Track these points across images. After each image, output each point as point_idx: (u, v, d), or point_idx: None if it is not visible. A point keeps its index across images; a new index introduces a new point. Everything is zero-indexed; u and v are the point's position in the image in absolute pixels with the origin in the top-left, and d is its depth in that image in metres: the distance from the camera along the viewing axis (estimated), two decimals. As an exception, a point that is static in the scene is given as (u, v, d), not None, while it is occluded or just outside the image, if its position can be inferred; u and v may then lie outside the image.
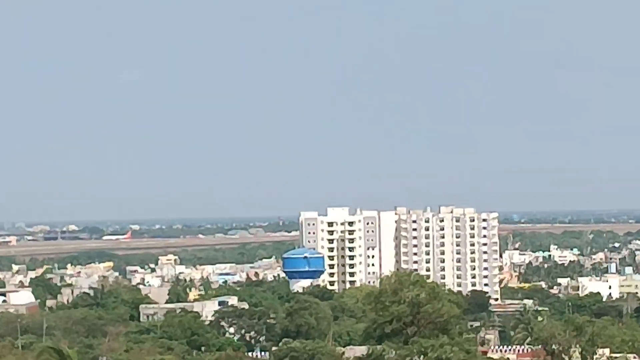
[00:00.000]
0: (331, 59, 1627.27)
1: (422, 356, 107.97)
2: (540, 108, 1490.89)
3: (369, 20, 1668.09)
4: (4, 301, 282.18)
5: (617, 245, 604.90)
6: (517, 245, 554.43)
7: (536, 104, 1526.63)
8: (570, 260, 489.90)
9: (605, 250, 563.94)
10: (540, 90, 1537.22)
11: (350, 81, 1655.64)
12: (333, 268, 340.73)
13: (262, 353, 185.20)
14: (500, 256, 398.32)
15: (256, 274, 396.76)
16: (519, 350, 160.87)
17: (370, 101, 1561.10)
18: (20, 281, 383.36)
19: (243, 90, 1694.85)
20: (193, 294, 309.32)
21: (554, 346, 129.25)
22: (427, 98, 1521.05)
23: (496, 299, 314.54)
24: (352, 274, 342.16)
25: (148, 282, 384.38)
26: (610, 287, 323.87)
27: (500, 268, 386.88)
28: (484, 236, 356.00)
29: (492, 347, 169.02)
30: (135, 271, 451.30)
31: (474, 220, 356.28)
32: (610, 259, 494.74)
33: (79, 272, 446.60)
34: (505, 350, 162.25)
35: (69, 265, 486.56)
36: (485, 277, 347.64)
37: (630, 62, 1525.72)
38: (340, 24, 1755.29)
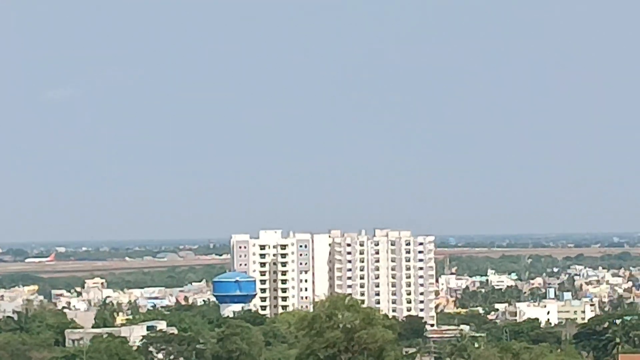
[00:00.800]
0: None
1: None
2: (480, 132, 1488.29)
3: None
4: None
5: (555, 270, 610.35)
6: (453, 270, 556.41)
7: (477, 127, 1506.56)
8: (507, 285, 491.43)
9: (544, 275, 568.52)
10: (484, 111, 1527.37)
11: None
12: (265, 292, 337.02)
13: None
14: (437, 280, 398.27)
15: (186, 298, 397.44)
16: None
17: (303, 122, 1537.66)
18: None
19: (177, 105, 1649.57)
20: (120, 319, 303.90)
21: None
22: (363, 123, 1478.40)
23: (432, 325, 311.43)
24: (284, 299, 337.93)
25: (74, 306, 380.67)
26: (548, 313, 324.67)
27: (437, 293, 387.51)
28: (420, 260, 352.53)
29: None
30: (61, 295, 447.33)
31: (409, 244, 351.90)
32: (549, 284, 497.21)
33: (2, 295, 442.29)
34: None
35: (7, 292, 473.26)
36: (421, 302, 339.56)
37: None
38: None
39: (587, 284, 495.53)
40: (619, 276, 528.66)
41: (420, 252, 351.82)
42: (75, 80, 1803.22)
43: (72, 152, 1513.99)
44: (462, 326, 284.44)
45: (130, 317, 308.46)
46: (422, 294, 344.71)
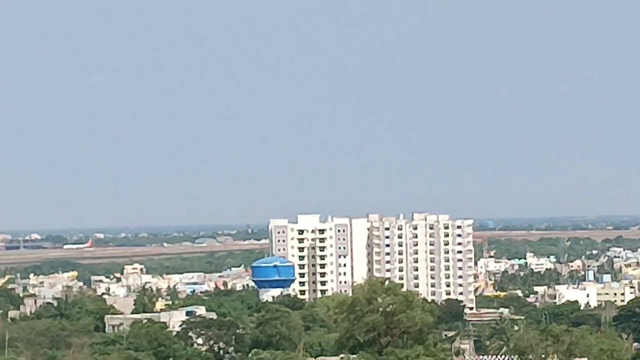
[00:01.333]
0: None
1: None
2: (518, 116, 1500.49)
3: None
4: None
5: (594, 252, 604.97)
6: (492, 253, 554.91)
7: (515, 111, 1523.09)
8: (546, 268, 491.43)
9: (583, 257, 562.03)
10: (518, 98, 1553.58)
11: (326, 89, 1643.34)
12: (303, 277, 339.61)
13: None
14: (475, 264, 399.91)
15: (224, 283, 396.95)
16: None
17: (343, 107, 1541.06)
18: None
19: (212, 96, 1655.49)
20: (160, 304, 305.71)
21: (530, 356, 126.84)
22: (402, 105, 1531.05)
23: (471, 308, 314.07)
24: (323, 283, 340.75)
25: (113, 292, 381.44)
26: (588, 296, 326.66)
27: (475, 276, 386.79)
28: (459, 243, 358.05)
29: (467, 357, 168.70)
30: (100, 281, 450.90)
31: (448, 228, 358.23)
32: (588, 266, 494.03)
33: (42, 282, 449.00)
34: (482, 358, 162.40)
35: (31, 275, 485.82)
36: (460, 285, 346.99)
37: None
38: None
39: (626, 266, 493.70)
40: None
41: (458, 235, 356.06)
42: (105, 68, 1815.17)
43: (110, 140, 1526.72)
44: (501, 309, 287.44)
45: (170, 302, 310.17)
46: (460, 277, 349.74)
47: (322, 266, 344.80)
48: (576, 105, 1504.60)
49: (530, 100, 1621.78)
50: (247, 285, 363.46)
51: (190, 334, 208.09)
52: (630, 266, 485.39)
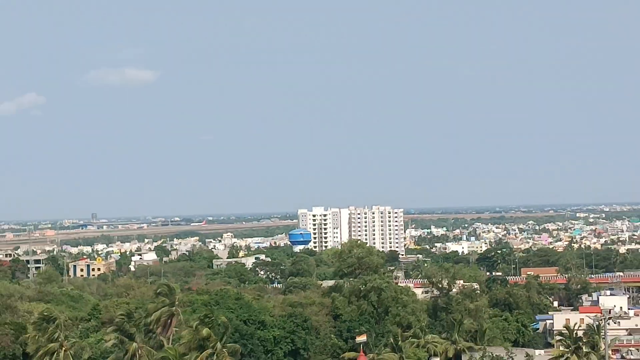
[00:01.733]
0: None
1: (364, 284, 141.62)
2: (436, 125, 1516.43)
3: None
4: (140, 258, 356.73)
5: (466, 225, 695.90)
6: (413, 226, 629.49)
7: (432, 121, 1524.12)
8: (441, 234, 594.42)
9: (461, 227, 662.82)
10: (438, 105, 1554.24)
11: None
12: (315, 239, 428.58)
13: (278, 284, 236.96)
14: (404, 231, 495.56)
15: (275, 242, 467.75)
16: (415, 282, 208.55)
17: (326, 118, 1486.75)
18: (149, 248, 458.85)
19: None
20: (241, 253, 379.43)
21: (433, 279, 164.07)
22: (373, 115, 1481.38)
23: (402, 254, 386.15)
24: (325, 242, 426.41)
25: (216, 247, 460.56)
26: (463, 248, 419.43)
27: (405, 238, 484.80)
28: (396, 221, 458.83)
29: (400, 280, 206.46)
30: (210, 241, 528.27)
31: (390, 213, 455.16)
32: (462, 234, 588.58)
33: (180, 242, 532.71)
34: (408, 282, 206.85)
35: (175, 239, 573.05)
36: (397, 243, 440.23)
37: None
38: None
39: (483, 232, 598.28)
40: (499, 228, 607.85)
41: (395, 216, 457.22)
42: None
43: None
44: (418, 255, 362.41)
45: (246, 252, 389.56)
46: (397, 239, 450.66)
47: (325, 234, 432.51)
48: (492, 109, 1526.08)
49: (448, 106, 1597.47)
50: (286, 244, 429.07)
51: (257, 269, 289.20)
52: (485, 232, 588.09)
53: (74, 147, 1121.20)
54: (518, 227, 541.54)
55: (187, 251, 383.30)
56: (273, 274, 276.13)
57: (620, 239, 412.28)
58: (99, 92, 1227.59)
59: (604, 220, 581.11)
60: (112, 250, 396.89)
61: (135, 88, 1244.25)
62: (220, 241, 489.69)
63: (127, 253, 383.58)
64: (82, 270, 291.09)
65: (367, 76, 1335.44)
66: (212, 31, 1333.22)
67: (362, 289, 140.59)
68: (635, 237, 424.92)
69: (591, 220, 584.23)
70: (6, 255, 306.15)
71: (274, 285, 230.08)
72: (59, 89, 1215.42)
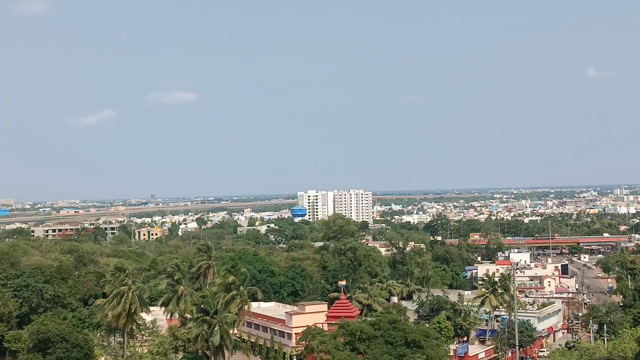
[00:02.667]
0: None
1: (344, 245, 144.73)
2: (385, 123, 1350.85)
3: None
4: (186, 226, 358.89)
5: (415, 203, 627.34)
6: (378, 204, 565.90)
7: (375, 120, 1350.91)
8: (398, 209, 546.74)
9: (412, 205, 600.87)
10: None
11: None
12: (309, 213, 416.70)
13: (283, 245, 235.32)
14: (372, 207, 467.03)
15: (281, 215, 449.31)
16: (379, 243, 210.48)
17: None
18: (192, 219, 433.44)
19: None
20: (257, 223, 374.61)
21: (393, 241, 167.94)
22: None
23: (371, 224, 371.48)
24: (317, 215, 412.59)
25: (239, 219, 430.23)
26: (413, 219, 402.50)
27: (373, 212, 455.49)
28: (367, 200, 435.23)
29: (369, 242, 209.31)
30: (235, 215, 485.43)
31: (362, 195, 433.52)
32: (413, 209, 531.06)
33: (214, 215, 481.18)
34: (374, 243, 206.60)
35: (210, 213, 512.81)
36: (367, 216, 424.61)
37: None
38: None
39: (428, 208, 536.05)
40: (439, 205, 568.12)
41: (366, 197, 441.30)
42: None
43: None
44: (382, 224, 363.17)
45: (260, 222, 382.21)
46: (367, 212, 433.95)
47: (316, 209, 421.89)
48: (432, 120, 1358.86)
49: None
50: (289, 216, 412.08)
51: (268, 234, 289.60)
52: (429, 208, 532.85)
53: (139, 148, 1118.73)
54: (453, 205, 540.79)
55: (218, 221, 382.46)
56: (279, 237, 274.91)
57: (525, 213, 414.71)
58: (156, 109, 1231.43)
59: (513, 200, 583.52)
60: (166, 221, 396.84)
61: (181, 106, 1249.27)
62: (242, 214, 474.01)
63: (176, 223, 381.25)
64: (144, 235, 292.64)
65: (351, 105, 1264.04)
66: (233, 67, 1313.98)
67: (342, 248, 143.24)
68: (535, 212, 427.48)
69: (504, 199, 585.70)
70: (90, 224, 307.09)
71: (280, 245, 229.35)
72: (128, 106, 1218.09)
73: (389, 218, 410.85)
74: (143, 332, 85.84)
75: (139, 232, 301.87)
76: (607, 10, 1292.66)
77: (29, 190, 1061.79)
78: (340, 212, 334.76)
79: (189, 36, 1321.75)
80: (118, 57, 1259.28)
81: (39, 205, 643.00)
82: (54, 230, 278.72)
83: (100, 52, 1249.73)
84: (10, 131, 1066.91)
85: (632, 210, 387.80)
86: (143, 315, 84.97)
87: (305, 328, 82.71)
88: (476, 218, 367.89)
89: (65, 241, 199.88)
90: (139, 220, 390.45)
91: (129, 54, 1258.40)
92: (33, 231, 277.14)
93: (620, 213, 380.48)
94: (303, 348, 78.58)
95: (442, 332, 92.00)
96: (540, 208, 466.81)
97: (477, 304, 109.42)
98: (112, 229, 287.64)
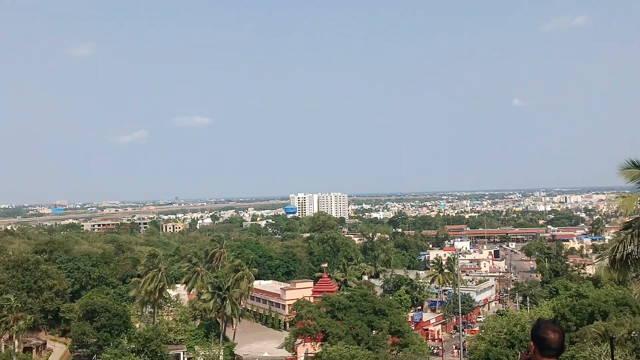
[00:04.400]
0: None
1: (326, 235, 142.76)
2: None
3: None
4: (202, 221, 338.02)
5: (381, 203, 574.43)
6: (352, 204, 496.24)
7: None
8: (368, 207, 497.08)
9: (379, 204, 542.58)
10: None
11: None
12: (299, 211, 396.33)
13: (278, 236, 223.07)
14: (348, 206, 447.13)
15: (277, 213, 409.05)
16: (354, 234, 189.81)
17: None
18: (207, 216, 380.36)
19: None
20: (259, 219, 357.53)
21: (364, 232, 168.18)
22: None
23: (347, 219, 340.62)
24: (305, 213, 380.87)
25: (245, 215, 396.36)
26: (380, 216, 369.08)
27: (348, 210, 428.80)
28: (343, 200, 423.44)
29: (345, 233, 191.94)
30: (241, 212, 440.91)
31: (340, 197, 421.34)
32: (379, 208, 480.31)
33: (224, 214, 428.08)
34: (350, 234, 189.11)
35: (222, 211, 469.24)
36: (344, 213, 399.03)
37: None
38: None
39: (391, 207, 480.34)
40: (400, 204, 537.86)
41: (343, 198, 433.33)
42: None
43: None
44: (355, 219, 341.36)
45: (261, 218, 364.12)
46: (344, 210, 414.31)
47: (304, 208, 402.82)
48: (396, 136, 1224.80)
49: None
50: (283, 213, 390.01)
51: (267, 227, 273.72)
52: (392, 207, 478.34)
53: (165, 160, 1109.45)
54: (410, 204, 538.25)
55: (228, 218, 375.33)
56: (276, 230, 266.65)
57: (465, 210, 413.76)
58: (179, 130, 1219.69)
59: (457, 200, 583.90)
60: (186, 217, 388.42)
61: (199, 127, 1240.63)
62: (246, 212, 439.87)
63: (195, 219, 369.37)
64: (170, 228, 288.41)
65: (331, 125, 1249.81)
66: (239, 97, 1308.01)
67: (324, 238, 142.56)
68: (473, 209, 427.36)
69: (450, 200, 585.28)
70: (127, 220, 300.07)
71: (276, 236, 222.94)
72: (157, 128, 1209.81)
73: (360, 215, 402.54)
74: (169, 304, 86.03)
75: (166, 226, 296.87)
76: (529, 50, 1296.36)
77: (79, 193, 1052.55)
78: (323, 210, 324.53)
79: (205, 73, 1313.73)
80: (149, 89, 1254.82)
81: (87, 205, 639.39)
82: (99, 225, 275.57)
83: (135, 84, 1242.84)
84: (65, 148, 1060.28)
85: (548, 208, 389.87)
86: (169, 291, 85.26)
87: (296, 300, 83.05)
88: (428, 214, 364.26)
89: (107, 233, 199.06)
90: (165, 217, 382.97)
91: (158, 86, 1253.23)
92: (82, 225, 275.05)
93: (539, 210, 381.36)
94: (294, 316, 78.81)
95: (402, 303, 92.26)
96: (477, 207, 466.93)
97: (429, 281, 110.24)
98: (145, 223, 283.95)
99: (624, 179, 18.65)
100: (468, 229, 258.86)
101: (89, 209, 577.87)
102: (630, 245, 18.82)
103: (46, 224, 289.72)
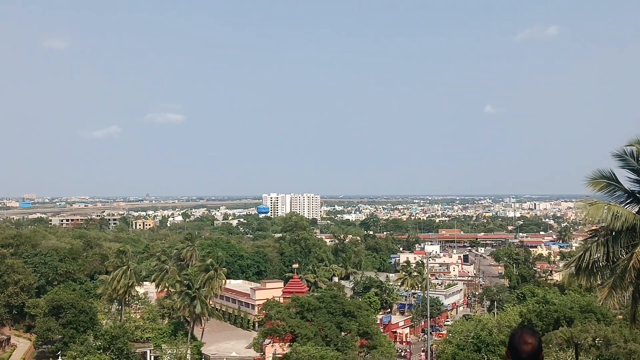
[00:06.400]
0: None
1: (297, 236, 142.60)
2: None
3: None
4: (173, 219, 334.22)
5: (354, 205, 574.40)
6: (325, 205, 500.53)
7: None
8: (340, 209, 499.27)
9: (351, 206, 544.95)
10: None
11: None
12: (272, 211, 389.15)
13: (250, 235, 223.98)
14: (320, 208, 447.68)
15: (249, 212, 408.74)
16: (325, 235, 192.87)
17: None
18: (178, 213, 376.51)
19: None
20: (230, 218, 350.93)
21: (335, 234, 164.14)
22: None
23: (319, 220, 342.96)
24: (277, 213, 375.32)
25: (216, 214, 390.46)
26: (352, 217, 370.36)
27: (320, 211, 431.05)
28: (316, 201, 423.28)
29: (317, 234, 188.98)
30: (213, 211, 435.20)
31: (313, 198, 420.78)
32: (351, 210, 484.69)
33: (196, 211, 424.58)
34: (321, 235, 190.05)
35: (193, 209, 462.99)
36: (316, 214, 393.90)
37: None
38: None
39: (363, 209, 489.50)
40: (372, 207, 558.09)
41: (315, 199, 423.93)
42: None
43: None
44: (327, 221, 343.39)
45: (232, 217, 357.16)
46: (316, 211, 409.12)
47: (277, 208, 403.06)
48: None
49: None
50: (255, 213, 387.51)
51: (239, 227, 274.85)
52: (364, 209, 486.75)
53: (137, 156, 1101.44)
54: (382, 207, 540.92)
55: (199, 216, 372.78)
56: (247, 229, 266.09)
57: (436, 214, 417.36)
58: (152, 126, 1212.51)
59: (428, 204, 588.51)
60: (157, 214, 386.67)
61: (172, 124, 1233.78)
62: (218, 211, 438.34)
63: (166, 216, 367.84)
64: (140, 225, 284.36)
65: (304, 128, 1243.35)
66: (212, 95, 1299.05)
67: (296, 238, 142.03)
68: (444, 214, 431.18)
69: (421, 204, 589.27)
70: (97, 216, 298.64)
71: (248, 235, 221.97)
72: (130, 124, 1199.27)
73: (332, 216, 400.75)
74: (137, 302, 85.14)
75: (136, 222, 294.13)
76: (502, 58, 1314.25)
77: (48, 187, 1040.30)
78: (295, 210, 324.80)
79: (179, 69, 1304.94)
80: (122, 85, 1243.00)
81: (56, 199, 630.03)
82: (67, 220, 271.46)
83: (108, 80, 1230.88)
84: (35, 141, 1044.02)
85: (518, 214, 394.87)
86: (137, 288, 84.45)
87: (265, 300, 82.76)
88: (400, 217, 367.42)
89: (76, 229, 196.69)
90: (136, 214, 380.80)
91: (131, 82, 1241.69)
92: (51, 220, 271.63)
93: (508, 216, 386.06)
94: (264, 316, 78.60)
95: (372, 305, 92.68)
96: (448, 211, 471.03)
97: (398, 284, 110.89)
98: (114, 220, 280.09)
99: (591, 188, 19.00)
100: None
101: (57, 203, 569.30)
102: (596, 253, 19.14)
103: (13, 218, 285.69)
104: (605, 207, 18.34)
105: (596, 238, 19.60)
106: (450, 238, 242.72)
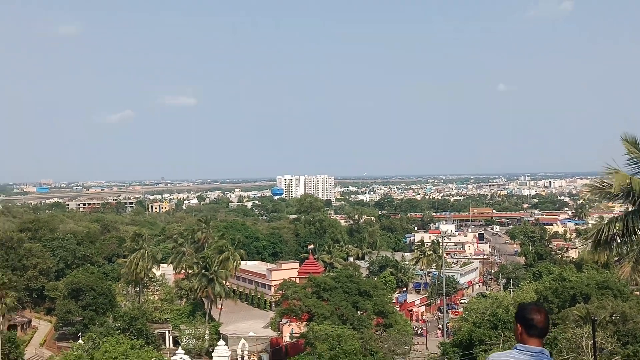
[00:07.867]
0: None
1: (312, 217, 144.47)
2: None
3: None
4: (189, 202, 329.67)
5: (368, 185, 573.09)
6: (339, 186, 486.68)
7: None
8: (355, 190, 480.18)
9: (365, 187, 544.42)
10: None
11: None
12: (286, 193, 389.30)
13: (265, 217, 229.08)
14: (334, 188, 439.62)
15: (264, 194, 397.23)
16: (340, 216, 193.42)
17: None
18: (194, 196, 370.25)
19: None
20: (245, 200, 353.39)
21: (350, 214, 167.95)
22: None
23: (333, 201, 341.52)
24: (292, 194, 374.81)
25: (231, 196, 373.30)
26: (366, 198, 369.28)
27: (335, 192, 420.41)
28: (330, 181, 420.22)
29: (332, 215, 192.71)
30: (228, 193, 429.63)
31: (327, 179, 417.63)
32: (366, 190, 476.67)
33: (211, 193, 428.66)
34: (336, 216, 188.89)
35: (208, 192, 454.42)
36: (330, 195, 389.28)
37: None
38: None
39: (377, 189, 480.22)
40: (386, 187, 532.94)
41: (330, 180, 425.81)
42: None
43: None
44: (342, 202, 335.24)
45: (248, 199, 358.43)
46: (330, 192, 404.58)
47: (291, 190, 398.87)
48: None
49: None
50: (270, 195, 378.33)
51: (254, 209, 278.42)
52: (378, 189, 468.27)
53: (152, 140, 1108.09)
54: (396, 187, 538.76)
55: (214, 198, 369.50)
56: (262, 211, 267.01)
57: (451, 194, 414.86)
58: (166, 110, 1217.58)
59: (443, 183, 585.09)
60: (173, 198, 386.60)
61: (185, 108, 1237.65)
62: (233, 193, 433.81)
63: (181, 199, 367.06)
64: (156, 208, 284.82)
65: (317, 110, 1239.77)
66: (224, 80, 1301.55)
67: (311, 219, 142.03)
68: (459, 193, 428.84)
69: (436, 183, 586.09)
70: (113, 200, 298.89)
71: (263, 217, 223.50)
72: (144, 108, 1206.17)
73: (347, 197, 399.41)
74: (154, 284, 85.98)
75: (152, 206, 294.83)
76: (515, 35, 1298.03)
77: (65, 172, 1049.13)
78: (310, 192, 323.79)
79: (191, 54, 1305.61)
80: (136, 70, 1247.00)
81: (73, 184, 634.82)
82: (84, 204, 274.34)
83: (122, 64, 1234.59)
84: (51, 127, 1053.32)
85: (533, 192, 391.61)
86: (154, 270, 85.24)
87: (282, 281, 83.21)
88: (414, 197, 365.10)
89: (93, 212, 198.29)
90: (151, 197, 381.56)
91: (145, 67, 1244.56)
92: (68, 205, 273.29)
93: (523, 194, 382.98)
94: (280, 296, 78.90)
95: (387, 284, 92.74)
96: (462, 190, 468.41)
97: (414, 263, 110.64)
98: (131, 203, 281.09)
99: (624, 146, 18.68)
100: (453, 212, 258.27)
101: (74, 188, 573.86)
102: (615, 227, 18.96)
103: (31, 203, 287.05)
104: (629, 178, 18.17)
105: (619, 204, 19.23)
106: (466, 217, 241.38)
